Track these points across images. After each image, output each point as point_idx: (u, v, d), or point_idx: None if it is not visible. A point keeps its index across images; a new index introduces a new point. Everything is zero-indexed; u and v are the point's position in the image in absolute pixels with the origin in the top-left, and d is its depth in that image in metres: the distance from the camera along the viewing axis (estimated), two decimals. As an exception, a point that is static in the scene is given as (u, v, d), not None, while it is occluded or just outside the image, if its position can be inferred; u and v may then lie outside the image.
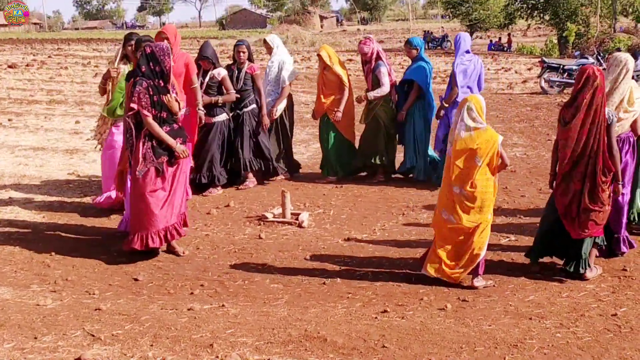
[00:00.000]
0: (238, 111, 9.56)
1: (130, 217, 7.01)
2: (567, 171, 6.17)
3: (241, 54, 9.52)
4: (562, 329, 5.22)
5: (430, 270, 6.16)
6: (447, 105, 9.47)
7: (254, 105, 9.63)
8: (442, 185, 6.26)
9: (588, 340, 5.04)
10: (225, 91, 9.23)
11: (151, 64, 6.60)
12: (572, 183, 6.16)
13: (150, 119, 6.59)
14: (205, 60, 9.14)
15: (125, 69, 7.94)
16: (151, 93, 6.56)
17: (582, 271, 6.22)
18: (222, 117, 9.33)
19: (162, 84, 6.65)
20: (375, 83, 9.89)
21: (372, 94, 9.88)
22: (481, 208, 6.01)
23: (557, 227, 6.32)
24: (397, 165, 10.41)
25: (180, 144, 6.77)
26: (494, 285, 6.13)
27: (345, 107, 10.11)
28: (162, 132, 6.65)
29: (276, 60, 10.00)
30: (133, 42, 7.66)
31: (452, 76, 9.47)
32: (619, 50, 19.72)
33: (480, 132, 6.01)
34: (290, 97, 10.24)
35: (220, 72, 9.21)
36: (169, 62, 6.63)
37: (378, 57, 9.94)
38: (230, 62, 9.89)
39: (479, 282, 6.13)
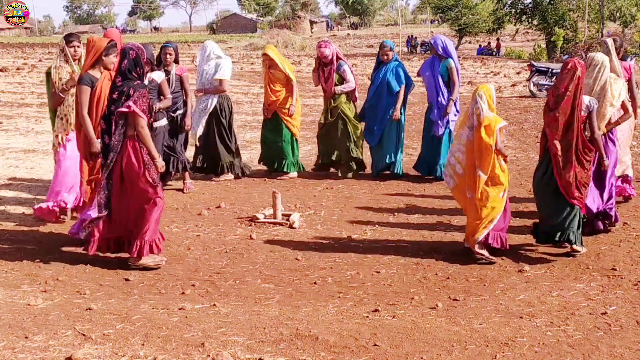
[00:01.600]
0: (172, 114, 9.34)
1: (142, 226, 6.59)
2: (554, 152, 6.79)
3: (167, 55, 9.29)
4: (553, 328, 5.24)
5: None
6: (453, 98, 9.99)
7: (186, 108, 9.54)
8: (467, 168, 6.80)
9: (578, 338, 5.06)
10: (163, 95, 8.90)
11: (138, 68, 6.53)
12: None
13: (146, 125, 6.48)
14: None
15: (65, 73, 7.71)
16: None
17: (572, 240, 6.79)
18: (163, 121, 9.00)
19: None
20: (340, 82, 10.19)
21: (339, 88, 10.15)
22: (495, 185, 6.71)
23: (549, 198, 6.92)
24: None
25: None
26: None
27: (289, 102, 10.34)
28: (151, 141, 6.54)
29: (213, 64, 10.02)
30: (78, 44, 7.71)
31: (453, 74, 9.92)
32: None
33: (488, 118, 6.64)
34: (228, 98, 10.26)
35: (161, 76, 8.90)
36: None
37: (338, 58, 10.24)
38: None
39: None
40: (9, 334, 5.09)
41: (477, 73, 31.19)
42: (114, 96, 6.48)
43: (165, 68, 9.29)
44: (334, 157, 10.45)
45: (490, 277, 6.38)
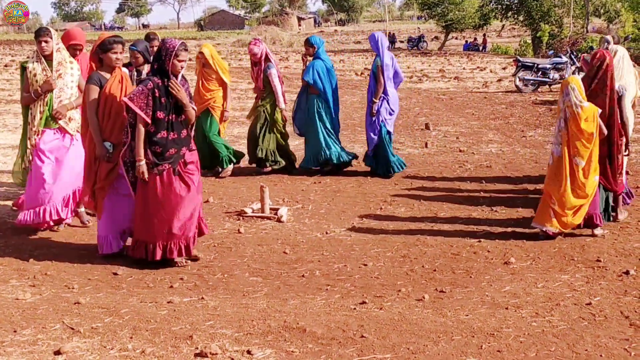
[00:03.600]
0: None
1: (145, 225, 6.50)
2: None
3: (131, 56, 8.55)
4: (538, 318, 5.30)
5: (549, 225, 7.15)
6: (377, 100, 10.00)
7: None
8: (563, 159, 7.05)
9: (563, 328, 5.12)
10: None
11: (158, 62, 6.33)
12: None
13: (142, 124, 6.25)
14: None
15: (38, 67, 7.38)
16: (157, 94, 6.26)
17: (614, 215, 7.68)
18: None
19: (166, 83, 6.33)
20: (267, 83, 10.18)
21: (281, 104, 10.26)
22: (593, 171, 7.09)
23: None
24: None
25: (189, 151, 6.54)
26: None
27: (222, 103, 10.32)
28: (141, 141, 6.29)
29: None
30: (46, 39, 7.34)
31: (378, 73, 10.00)
32: (591, 49, 20.00)
33: (584, 108, 6.93)
34: None
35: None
36: (168, 63, 6.28)
37: (267, 59, 10.22)
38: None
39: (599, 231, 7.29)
40: (-3, 328, 5.11)
41: (464, 69, 31.28)
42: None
43: (138, 68, 8.73)
44: (260, 155, 10.36)
45: (476, 269, 6.43)
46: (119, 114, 6.55)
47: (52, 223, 7.52)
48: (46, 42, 7.36)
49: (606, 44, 8.75)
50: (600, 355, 4.69)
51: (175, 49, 6.25)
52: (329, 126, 10.29)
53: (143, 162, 6.29)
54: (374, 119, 10.08)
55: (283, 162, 10.53)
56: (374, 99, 10.03)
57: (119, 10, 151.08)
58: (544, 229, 7.17)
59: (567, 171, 7.03)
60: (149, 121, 6.24)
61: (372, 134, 10.13)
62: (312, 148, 10.36)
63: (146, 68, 8.66)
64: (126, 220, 6.74)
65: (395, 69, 10.28)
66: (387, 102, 10.10)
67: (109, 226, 6.72)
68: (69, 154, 7.47)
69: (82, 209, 7.81)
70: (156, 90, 6.25)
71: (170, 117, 6.35)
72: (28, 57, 7.60)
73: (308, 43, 10.42)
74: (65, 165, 7.44)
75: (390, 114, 10.18)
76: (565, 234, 7.26)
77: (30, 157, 7.47)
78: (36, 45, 7.42)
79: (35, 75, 7.32)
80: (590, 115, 6.95)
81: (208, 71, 10.13)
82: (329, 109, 10.29)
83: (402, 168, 10.40)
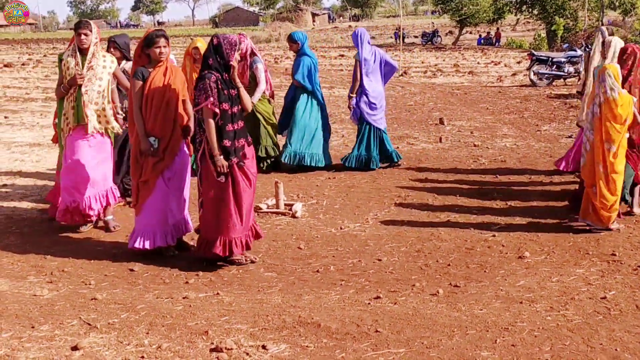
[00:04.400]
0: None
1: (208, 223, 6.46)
2: None
3: (112, 49, 8.38)
4: (553, 312, 5.30)
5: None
6: (353, 95, 10.11)
7: None
8: (595, 145, 7.14)
9: (578, 322, 5.12)
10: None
11: (217, 57, 6.24)
12: None
13: (211, 118, 6.17)
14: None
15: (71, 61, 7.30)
16: (220, 87, 6.22)
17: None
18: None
19: (227, 78, 6.30)
20: (253, 79, 9.96)
21: (255, 99, 9.87)
22: (623, 157, 7.18)
23: None
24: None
25: (247, 145, 6.48)
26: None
27: None
28: (214, 136, 6.19)
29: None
30: (86, 31, 7.17)
31: (355, 68, 10.15)
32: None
33: (622, 95, 7.02)
34: None
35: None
36: (233, 56, 6.25)
37: (253, 54, 10.02)
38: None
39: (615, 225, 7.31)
40: (15, 324, 5.16)
41: (478, 63, 31.21)
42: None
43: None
44: (260, 154, 10.14)
45: (491, 263, 6.44)
46: (162, 107, 6.54)
47: (91, 214, 7.40)
48: (86, 35, 7.24)
49: (601, 35, 8.95)
50: (616, 349, 4.69)
51: (239, 43, 6.34)
52: (313, 124, 10.29)
53: (221, 157, 6.22)
54: (351, 113, 10.30)
55: (268, 162, 10.39)
56: (350, 93, 10.20)
57: (134, 8, 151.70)
58: (588, 224, 7.31)
59: (599, 157, 7.11)
60: (218, 112, 6.19)
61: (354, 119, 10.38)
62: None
63: (123, 64, 8.39)
64: (173, 218, 6.73)
65: (384, 60, 10.35)
66: (367, 96, 10.15)
67: (154, 221, 6.62)
68: (95, 153, 7.35)
69: (110, 217, 7.68)
70: (219, 83, 6.22)
71: (233, 109, 6.32)
72: (66, 49, 7.48)
73: (291, 39, 10.40)
74: (95, 163, 7.33)
75: (373, 109, 10.21)
76: (579, 228, 7.27)
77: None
78: (75, 38, 7.25)
79: (68, 69, 7.28)
80: (625, 102, 7.02)
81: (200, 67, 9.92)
82: (318, 105, 10.34)
83: (378, 165, 10.44)
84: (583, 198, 7.36)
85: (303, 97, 10.23)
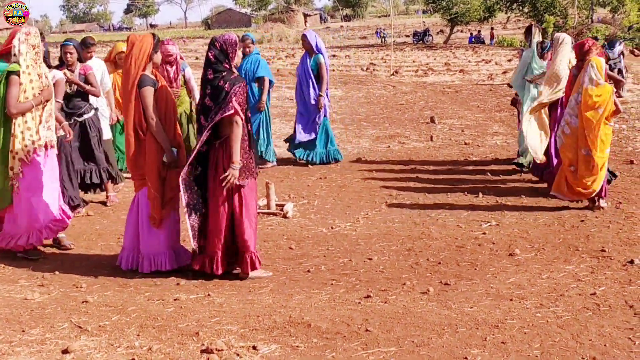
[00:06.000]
0: (77, 118, 8.21)
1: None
2: None
3: (68, 55, 8.06)
4: (542, 309, 5.31)
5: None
6: (322, 94, 10.60)
7: (94, 110, 8.48)
8: (579, 131, 7.70)
9: (568, 319, 5.13)
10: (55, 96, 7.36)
11: (227, 59, 6.01)
12: None
13: (241, 123, 5.92)
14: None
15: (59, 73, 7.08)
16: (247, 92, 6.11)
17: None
18: (61, 132, 7.55)
19: None
20: (184, 83, 9.77)
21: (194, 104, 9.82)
22: (603, 145, 7.70)
23: None
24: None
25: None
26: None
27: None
28: (238, 143, 5.94)
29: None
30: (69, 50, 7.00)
31: (322, 70, 10.59)
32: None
33: (600, 86, 7.58)
34: None
35: (56, 75, 7.59)
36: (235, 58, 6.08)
37: (180, 58, 9.81)
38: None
39: (603, 203, 7.96)
40: (6, 328, 5.14)
41: (469, 61, 31.24)
42: (207, 91, 5.97)
43: (69, 68, 8.13)
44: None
45: (481, 261, 6.46)
46: (174, 115, 6.37)
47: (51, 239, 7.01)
48: (71, 53, 7.08)
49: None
50: (605, 345, 4.71)
51: (238, 41, 6.21)
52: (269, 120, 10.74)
53: (240, 164, 5.98)
54: (320, 113, 10.63)
55: None
56: (320, 93, 10.56)
57: (127, 10, 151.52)
58: (559, 196, 7.98)
59: (583, 142, 7.65)
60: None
61: (312, 132, 10.73)
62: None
63: (78, 66, 8.19)
64: (178, 236, 6.56)
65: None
66: (327, 95, 10.75)
67: (168, 242, 6.42)
68: (47, 169, 6.80)
69: (62, 234, 7.19)
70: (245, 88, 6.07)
71: (248, 114, 6.18)
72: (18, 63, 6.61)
73: (250, 40, 10.57)
74: (49, 181, 6.81)
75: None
76: (568, 224, 7.31)
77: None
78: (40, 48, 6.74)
79: (32, 80, 6.62)
80: (604, 92, 7.55)
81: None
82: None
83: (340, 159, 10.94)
84: (557, 174, 8.03)
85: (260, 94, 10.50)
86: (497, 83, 21.80)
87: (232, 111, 5.82)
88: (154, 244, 6.34)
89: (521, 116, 9.42)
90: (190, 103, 9.97)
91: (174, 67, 9.50)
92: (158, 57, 6.32)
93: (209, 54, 6.01)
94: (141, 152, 6.22)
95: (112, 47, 9.83)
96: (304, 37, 10.68)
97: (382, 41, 52.56)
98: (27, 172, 6.60)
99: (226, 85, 5.87)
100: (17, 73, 6.49)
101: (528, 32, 10.06)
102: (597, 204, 7.93)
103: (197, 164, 6.11)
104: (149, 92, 6.12)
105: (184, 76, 9.78)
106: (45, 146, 6.72)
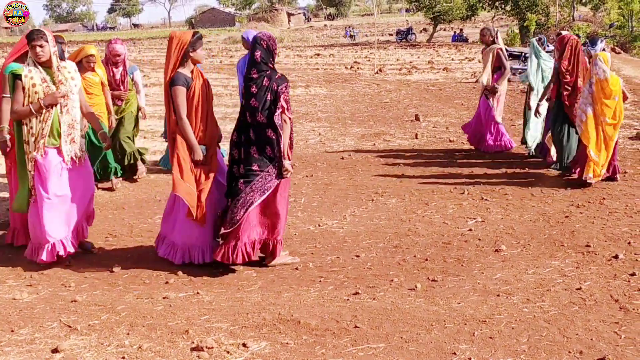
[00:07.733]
0: None
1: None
2: None
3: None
4: (529, 304, 5.37)
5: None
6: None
7: None
8: (595, 117, 8.63)
9: (554, 313, 5.19)
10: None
11: (272, 58, 6.08)
12: None
13: (289, 120, 6.09)
14: None
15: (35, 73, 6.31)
16: None
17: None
18: None
19: None
20: (132, 87, 9.68)
21: (142, 102, 9.90)
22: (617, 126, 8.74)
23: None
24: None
25: None
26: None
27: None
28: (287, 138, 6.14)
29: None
30: (41, 42, 6.21)
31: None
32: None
33: (611, 77, 8.55)
34: None
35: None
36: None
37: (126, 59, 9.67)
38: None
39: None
40: (-6, 328, 5.15)
41: (452, 59, 31.38)
42: (252, 90, 5.99)
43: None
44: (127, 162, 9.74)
45: (468, 257, 6.51)
46: (208, 114, 6.36)
47: (64, 255, 6.55)
48: (41, 46, 6.22)
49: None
50: (591, 339, 4.77)
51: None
52: None
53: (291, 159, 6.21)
54: None
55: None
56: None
57: (111, 10, 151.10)
58: (589, 179, 8.66)
59: (598, 127, 8.60)
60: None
61: None
62: None
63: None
64: (214, 230, 6.52)
65: None
66: None
67: (205, 236, 6.45)
68: (75, 176, 6.58)
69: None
70: None
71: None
72: (25, 65, 6.39)
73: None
74: (73, 189, 6.57)
75: None
76: (553, 220, 7.38)
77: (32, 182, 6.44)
78: (30, 51, 6.28)
79: (34, 86, 6.27)
80: (615, 81, 8.51)
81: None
82: None
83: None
84: (579, 154, 8.95)
85: None
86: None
87: (280, 110, 5.96)
88: (190, 236, 6.41)
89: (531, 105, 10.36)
90: (138, 107, 9.90)
91: (121, 69, 9.39)
92: (197, 55, 6.31)
93: (256, 54, 6.03)
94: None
95: (79, 49, 9.10)
96: (244, 38, 10.20)
97: (351, 39, 52.79)
98: (37, 182, 6.41)
99: (273, 84, 5.96)
100: (20, 77, 6.29)
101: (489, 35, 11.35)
102: (616, 175, 8.99)
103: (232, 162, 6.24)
104: (179, 91, 6.14)
105: (132, 79, 9.70)
106: (71, 160, 6.53)
